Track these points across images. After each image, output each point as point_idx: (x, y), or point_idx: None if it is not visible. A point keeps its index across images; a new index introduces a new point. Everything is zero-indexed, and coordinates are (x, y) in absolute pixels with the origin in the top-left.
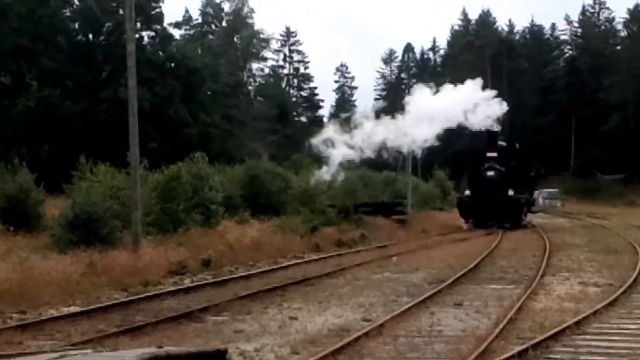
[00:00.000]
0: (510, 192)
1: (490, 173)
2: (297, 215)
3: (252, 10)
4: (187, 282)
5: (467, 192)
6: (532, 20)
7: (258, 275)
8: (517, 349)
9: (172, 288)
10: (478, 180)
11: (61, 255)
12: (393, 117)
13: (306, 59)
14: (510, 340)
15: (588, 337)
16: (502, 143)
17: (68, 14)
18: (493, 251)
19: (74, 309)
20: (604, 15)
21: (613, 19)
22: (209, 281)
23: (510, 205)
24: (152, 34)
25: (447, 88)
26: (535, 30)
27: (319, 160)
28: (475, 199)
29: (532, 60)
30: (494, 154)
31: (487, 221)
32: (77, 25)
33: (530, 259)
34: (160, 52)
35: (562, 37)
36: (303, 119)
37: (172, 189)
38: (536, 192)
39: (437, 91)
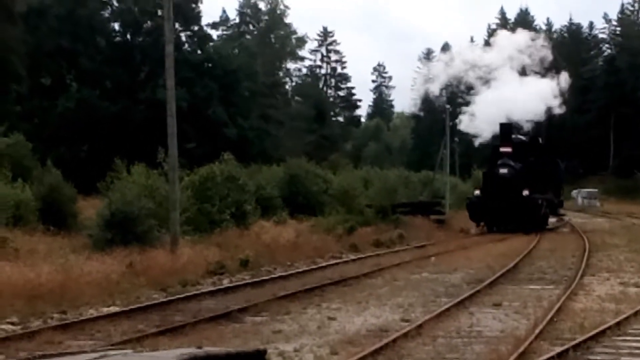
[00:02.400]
0: (525, 192)
1: (503, 170)
2: (335, 215)
3: (287, 7)
4: (225, 282)
5: (477, 192)
6: (570, 19)
7: (296, 276)
8: (557, 350)
9: (210, 288)
10: (490, 179)
11: (100, 255)
12: None
13: (343, 59)
14: (550, 341)
15: (629, 338)
16: (521, 137)
17: (107, 14)
18: (532, 251)
19: (113, 309)
20: None
21: None
22: (248, 281)
23: (524, 207)
24: (190, 34)
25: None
26: (573, 29)
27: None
28: (487, 200)
29: (571, 59)
30: (508, 149)
31: (499, 224)
32: (116, 26)
33: (569, 259)
34: (199, 52)
35: (601, 36)
36: (340, 118)
37: (207, 189)
38: (574, 191)
39: None
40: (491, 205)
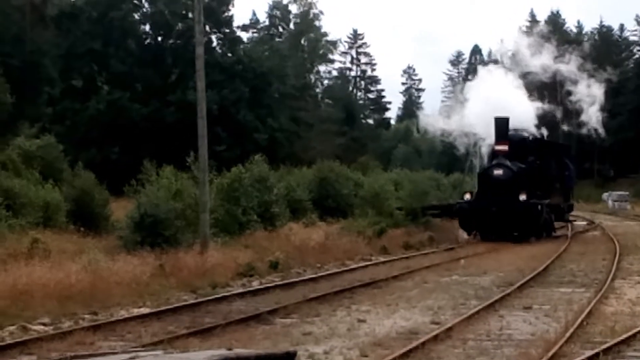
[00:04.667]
0: (522, 196)
1: (498, 171)
2: (364, 217)
3: (320, 12)
4: (255, 284)
5: (467, 196)
6: (601, 21)
7: (326, 278)
8: (588, 353)
9: (240, 290)
10: (484, 181)
11: (130, 256)
12: None
13: (373, 61)
14: (580, 345)
15: None
16: (521, 133)
17: (138, 17)
18: (562, 254)
19: (144, 310)
20: None
21: None
22: (277, 283)
23: (521, 213)
24: (221, 36)
25: None
26: (604, 32)
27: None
28: (479, 205)
29: (601, 61)
30: (504, 148)
31: (494, 232)
32: (147, 29)
33: (599, 262)
34: (229, 54)
35: (632, 38)
36: (370, 121)
37: (235, 191)
38: (605, 194)
39: None
40: (484, 210)
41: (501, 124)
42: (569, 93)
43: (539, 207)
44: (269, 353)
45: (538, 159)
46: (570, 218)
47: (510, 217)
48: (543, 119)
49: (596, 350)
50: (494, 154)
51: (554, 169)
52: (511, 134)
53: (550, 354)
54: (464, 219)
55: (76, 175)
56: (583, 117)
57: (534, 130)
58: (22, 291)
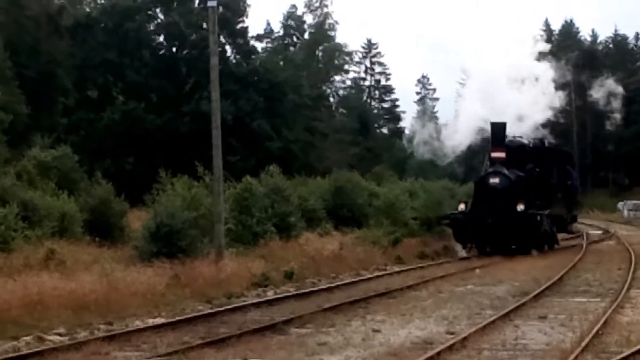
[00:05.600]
0: (520, 206)
1: (494, 180)
2: (379, 227)
3: (336, 23)
4: (270, 294)
5: (462, 207)
6: (616, 30)
7: (341, 288)
8: None
9: (255, 300)
10: (480, 190)
11: (145, 266)
12: None
13: (387, 71)
14: (595, 355)
15: None
16: (520, 139)
17: (153, 28)
18: (577, 264)
19: (159, 320)
20: None
21: None
22: (292, 293)
23: (519, 224)
24: (236, 47)
25: None
26: (619, 40)
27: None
28: (475, 216)
29: (616, 70)
30: (501, 155)
31: (491, 245)
32: (161, 39)
33: (615, 271)
34: (244, 65)
35: None
36: (384, 130)
37: (246, 200)
38: (620, 203)
39: None
40: (479, 221)
41: (498, 129)
42: (584, 101)
43: (538, 217)
44: None
45: (538, 167)
46: (588, 228)
47: (507, 228)
48: (556, 128)
49: None
50: (491, 162)
51: (556, 177)
52: (510, 139)
53: None
54: (459, 231)
55: (93, 186)
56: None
57: (534, 134)
58: (37, 301)
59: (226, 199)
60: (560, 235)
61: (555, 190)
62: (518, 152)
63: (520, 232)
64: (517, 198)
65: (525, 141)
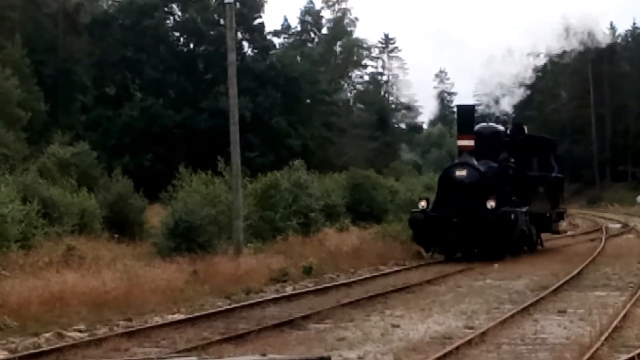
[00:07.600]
0: (491, 203)
1: (461, 172)
2: (398, 222)
3: (355, 19)
4: (288, 290)
5: (422, 204)
6: (634, 24)
7: (359, 283)
8: (623, 357)
9: (274, 296)
10: (444, 185)
11: (164, 263)
12: None
13: (405, 66)
14: (615, 349)
15: None
16: (492, 125)
17: (170, 24)
18: (596, 258)
19: (178, 316)
20: None
21: None
22: (311, 289)
23: (489, 224)
24: (253, 43)
25: None
26: (637, 34)
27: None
28: (437, 215)
29: (635, 64)
30: (468, 143)
31: (459, 249)
32: (179, 36)
33: (634, 265)
34: (262, 61)
35: None
36: (402, 125)
37: (271, 197)
38: (639, 197)
39: None
40: (443, 221)
41: (465, 113)
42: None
43: (513, 216)
44: (302, 358)
45: (514, 157)
46: (608, 222)
47: (476, 229)
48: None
49: (631, 354)
50: (458, 151)
51: (536, 168)
52: (482, 125)
53: (585, 357)
54: (419, 233)
55: (113, 182)
56: None
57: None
58: (57, 298)
59: (247, 194)
60: (578, 229)
61: (535, 184)
62: (490, 140)
63: (491, 233)
64: (487, 193)
65: (499, 128)
